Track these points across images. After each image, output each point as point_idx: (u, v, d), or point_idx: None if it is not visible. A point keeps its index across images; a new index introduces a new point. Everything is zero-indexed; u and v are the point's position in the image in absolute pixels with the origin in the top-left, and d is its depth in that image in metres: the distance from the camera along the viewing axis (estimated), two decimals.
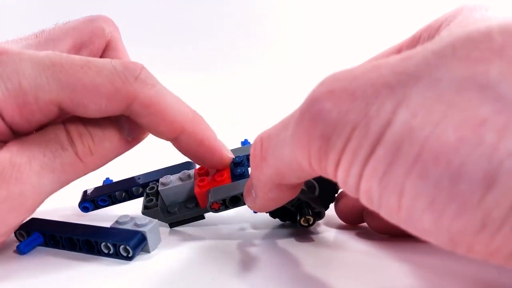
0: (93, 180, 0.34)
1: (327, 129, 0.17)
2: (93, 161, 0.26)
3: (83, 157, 0.26)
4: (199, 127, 0.28)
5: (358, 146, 0.16)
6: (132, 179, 0.33)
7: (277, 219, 0.30)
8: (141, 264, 0.26)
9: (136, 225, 0.27)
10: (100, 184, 0.34)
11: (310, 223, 0.28)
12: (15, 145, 0.25)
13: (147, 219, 0.28)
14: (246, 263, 0.26)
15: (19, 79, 0.24)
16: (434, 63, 0.16)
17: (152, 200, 0.30)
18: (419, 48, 0.17)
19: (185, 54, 0.77)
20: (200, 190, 0.29)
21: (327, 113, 0.17)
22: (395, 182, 0.15)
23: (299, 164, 0.19)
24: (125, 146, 0.28)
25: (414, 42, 0.26)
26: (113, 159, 0.28)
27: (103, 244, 0.27)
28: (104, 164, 0.27)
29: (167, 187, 0.30)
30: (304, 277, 0.24)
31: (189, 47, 0.78)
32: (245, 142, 0.33)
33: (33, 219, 0.29)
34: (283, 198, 0.25)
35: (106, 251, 0.27)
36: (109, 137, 0.27)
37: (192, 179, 0.30)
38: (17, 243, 0.28)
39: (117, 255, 0.27)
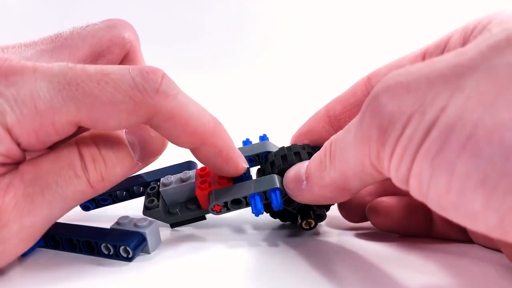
0: None
1: (384, 121, 0.18)
2: (102, 187, 0.25)
3: (94, 184, 0.25)
4: (219, 137, 0.27)
5: (413, 132, 0.17)
6: (133, 178, 0.33)
7: (277, 220, 0.30)
8: (141, 265, 0.26)
9: (136, 226, 0.27)
10: None
11: (312, 226, 0.28)
12: (28, 173, 0.24)
13: (147, 220, 0.28)
14: (246, 264, 0.26)
15: (34, 102, 0.22)
16: (489, 54, 0.16)
17: (153, 200, 0.30)
18: (472, 44, 0.17)
19: (185, 54, 0.77)
20: (202, 192, 0.29)
21: (383, 106, 0.18)
22: (447, 162, 0.16)
23: (362, 164, 0.20)
24: (133, 170, 0.27)
25: (442, 44, 0.26)
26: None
27: (103, 245, 0.27)
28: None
29: (168, 187, 0.30)
30: (305, 277, 0.24)
31: (190, 46, 0.78)
32: (246, 142, 0.33)
33: None
34: (336, 200, 0.26)
35: (106, 252, 0.27)
36: (121, 162, 0.26)
37: (193, 180, 0.30)
38: None
39: (117, 256, 0.27)
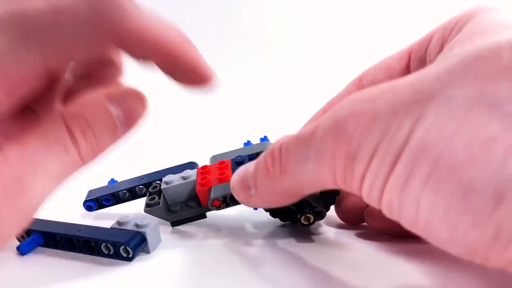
0: (98, 181, 0.34)
1: (352, 150, 0.18)
2: (92, 158, 0.25)
3: (85, 156, 0.25)
4: (188, 47, 0.25)
5: (380, 163, 0.17)
6: (136, 179, 0.34)
7: (277, 219, 0.30)
8: (140, 264, 0.27)
9: (136, 225, 0.28)
10: (105, 184, 0.34)
11: (311, 221, 0.28)
12: (14, 155, 0.23)
13: (147, 219, 0.28)
14: (247, 263, 0.26)
15: None
16: (447, 81, 0.16)
17: (154, 198, 0.30)
18: (433, 67, 0.17)
19: None
20: (202, 188, 0.29)
21: (350, 134, 0.18)
22: (413, 195, 0.16)
23: (322, 180, 0.20)
24: (119, 135, 0.26)
25: (425, 43, 0.26)
26: None
27: (103, 244, 0.27)
28: None
29: (169, 185, 0.30)
30: (305, 277, 0.24)
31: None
32: (247, 143, 0.33)
33: (33, 219, 0.29)
34: (286, 203, 0.25)
35: (106, 252, 0.27)
36: (109, 130, 0.25)
37: (194, 178, 0.30)
38: (17, 244, 0.28)
39: (117, 255, 0.27)
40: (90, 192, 0.34)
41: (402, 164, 0.17)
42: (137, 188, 0.33)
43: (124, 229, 0.28)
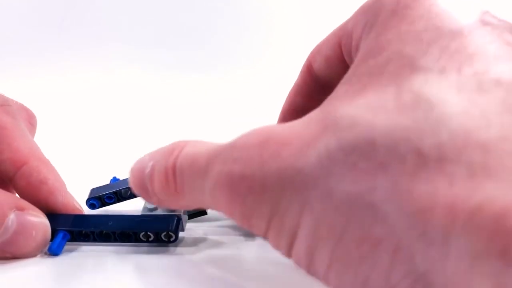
0: (100, 179, 0.34)
1: (246, 212, 0.18)
2: None
3: None
4: (44, 164, 0.27)
5: (277, 237, 0.17)
6: None
7: None
8: (140, 264, 0.26)
9: (168, 209, 0.27)
10: (107, 183, 0.34)
11: None
12: None
13: None
14: (247, 262, 0.26)
15: None
16: (328, 168, 0.15)
17: None
18: (318, 144, 0.16)
19: (186, 54, 0.76)
20: None
21: (244, 198, 0.17)
22: (319, 272, 0.16)
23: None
24: None
25: (349, 37, 0.22)
26: None
27: (142, 233, 0.26)
28: None
29: None
30: (306, 276, 0.25)
31: (190, 47, 0.76)
32: None
33: (50, 215, 0.27)
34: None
35: (144, 239, 0.26)
36: None
37: None
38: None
39: (157, 240, 0.26)
40: (92, 190, 0.33)
41: (302, 247, 0.16)
42: None
43: (158, 214, 0.27)
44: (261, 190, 0.17)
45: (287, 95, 0.29)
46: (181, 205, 0.22)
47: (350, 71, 0.19)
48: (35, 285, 0.23)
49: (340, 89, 0.18)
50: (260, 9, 0.81)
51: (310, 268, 0.16)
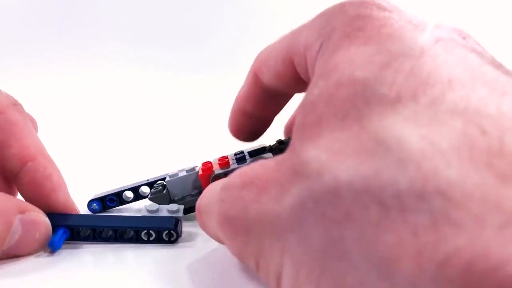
0: (101, 178, 0.34)
1: (238, 252, 0.19)
2: None
3: None
4: (50, 162, 0.28)
5: (266, 276, 0.18)
6: (141, 182, 0.34)
7: None
8: (140, 263, 0.26)
9: (169, 211, 0.28)
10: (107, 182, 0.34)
11: None
12: None
13: (176, 206, 0.28)
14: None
15: None
16: (301, 216, 0.16)
17: (158, 187, 0.31)
18: (291, 191, 0.16)
19: (186, 54, 0.76)
20: (204, 173, 0.30)
21: (233, 239, 0.19)
22: None
23: None
24: None
25: (301, 55, 0.22)
26: None
27: (144, 232, 0.27)
28: None
29: (173, 178, 0.31)
30: None
31: (188, 47, 0.77)
32: None
33: (51, 214, 0.27)
34: None
35: (145, 239, 0.27)
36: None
37: (197, 171, 0.31)
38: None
39: (159, 240, 0.27)
40: (95, 195, 0.33)
41: (286, 287, 0.16)
42: (141, 188, 0.33)
43: (160, 216, 0.28)
44: (245, 233, 0.18)
45: (235, 98, 0.29)
46: (215, 240, 0.23)
47: (305, 96, 0.18)
48: (36, 282, 0.24)
49: (302, 117, 0.18)
50: (260, 9, 0.81)
51: None
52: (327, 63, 0.18)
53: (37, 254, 0.26)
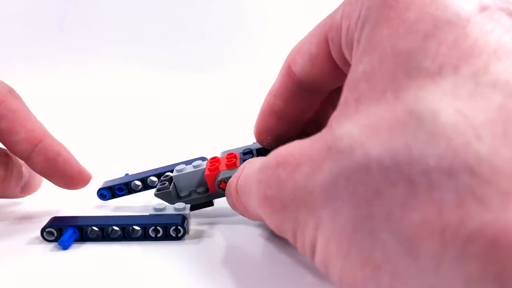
0: (99, 178, 0.34)
1: (277, 228, 0.19)
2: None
3: None
4: (55, 141, 0.30)
5: (302, 248, 0.18)
6: (149, 171, 0.34)
7: None
8: (140, 263, 0.26)
9: (176, 209, 0.29)
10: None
11: None
12: None
13: (183, 204, 0.29)
14: (248, 262, 0.26)
15: None
16: (333, 192, 0.16)
17: (165, 183, 0.31)
18: (323, 167, 0.17)
19: (186, 54, 0.76)
20: (210, 173, 0.30)
21: (271, 216, 0.19)
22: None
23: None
24: (14, 196, 0.31)
25: (338, 30, 0.21)
26: None
27: (151, 228, 0.27)
28: None
29: (180, 173, 0.31)
30: (307, 275, 0.24)
31: (188, 47, 0.77)
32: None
33: (56, 217, 0.28)
34: None
35: (153, 235, 0.27)
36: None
37: (204, 167, 0.31)
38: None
39: (166, 237, 0.27)
40: (105, 182, 0.33)
41: (319, 258, 0.17)
42: (149, 178, 0.33)
43: (167, 214, 0.29)
44: (282, 209, 0.18)
45: (265, 96, 0.28)
46: (252, 219, 0.25)
47: (350, 73, 0.18)
48: (45, 279, 0.24)
49: (343, 96, 0.18)
50: (260, 9, 0.81)
51: (328, 277, 0.17)
52: (371, 36, 0.18)
53: (46, 253, 0.27)
